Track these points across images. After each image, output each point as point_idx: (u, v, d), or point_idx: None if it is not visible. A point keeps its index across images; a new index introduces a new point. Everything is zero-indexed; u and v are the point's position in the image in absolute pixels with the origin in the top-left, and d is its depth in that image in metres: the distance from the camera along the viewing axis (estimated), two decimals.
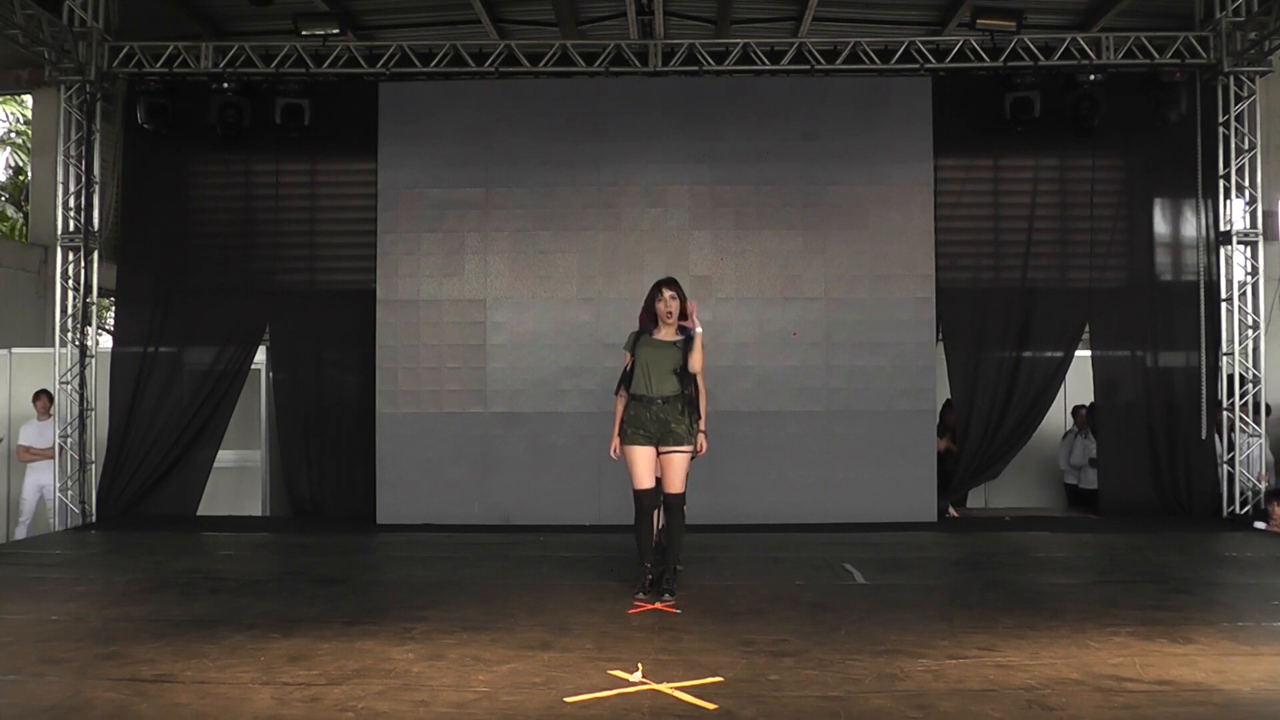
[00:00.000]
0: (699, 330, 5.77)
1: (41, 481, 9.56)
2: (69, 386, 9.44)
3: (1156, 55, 9.29)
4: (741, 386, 8.99)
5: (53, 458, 9.50)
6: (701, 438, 5.84)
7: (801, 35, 10.24)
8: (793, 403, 9.09)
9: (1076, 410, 10.27)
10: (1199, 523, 8.98)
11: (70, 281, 9.51)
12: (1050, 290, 9.57)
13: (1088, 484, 10.02)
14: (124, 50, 9.44)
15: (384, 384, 9.27)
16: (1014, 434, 9.56)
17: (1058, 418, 10.51)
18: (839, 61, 9.39)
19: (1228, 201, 9.38)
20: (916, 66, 9.38)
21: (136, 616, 5.39)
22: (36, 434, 9.59)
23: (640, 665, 4.27)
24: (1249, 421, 9.28)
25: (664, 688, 4.02)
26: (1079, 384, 10.04)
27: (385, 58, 9.50)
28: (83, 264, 9.52)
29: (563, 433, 9.07)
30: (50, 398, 9.57)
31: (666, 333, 5.83)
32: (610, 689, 4.03)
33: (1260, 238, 9.34)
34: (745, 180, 9.31)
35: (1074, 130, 9.36)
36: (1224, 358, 9.35)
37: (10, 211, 19.25)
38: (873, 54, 9.39)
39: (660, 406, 5.72)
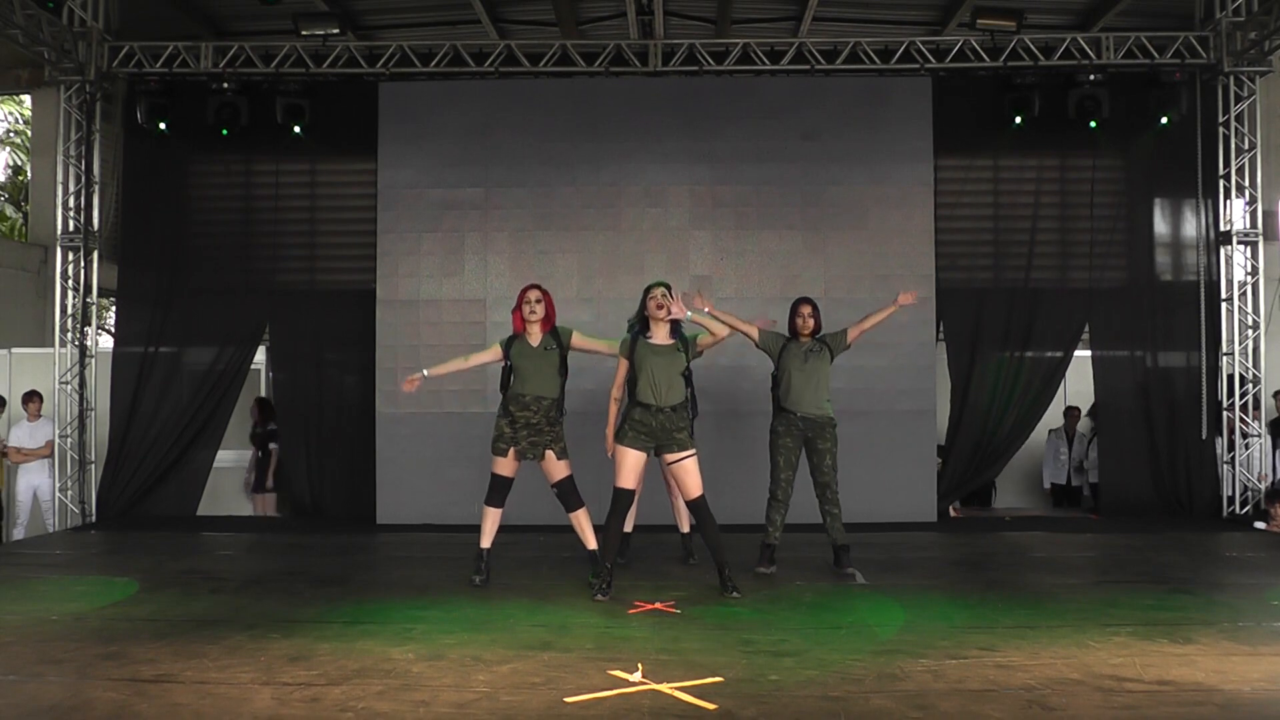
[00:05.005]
0: (688, 315, 5.84)
1: (34, 482, 9.57)
2: (69, 386, 9.45)
3: (1156, 55, 9.29)
4: (742, 386, 8.97)
5: (45, 457, 9.51)
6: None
7: (801, 35, 10.24)
8: None
9: (1069, 411, 10.37)
10: (1199, 523, 8.98)
11: (70, 281, 9.51)
12: (1050, 290, 9.58)
13: (1059, 480, 10.46)
14: (124, 50, 9.44)
15: (384, 384, 9.26)
16: (1013, 433, 9.57)
17: (1056, 419, 10.52)
18: (839, 61, 9.40)
19: (1228, 201, 9.38)
20: (916, 66, 9.39)
21: (136, 616, 5.39)
22: (28, 435, 9.59)
23: (640, 665, 4.27)
24: (1249, 421, 9.28)
25: (664, 688, 4.02)
26: (1080, 384, 10.05)
27: (385, 58, 9.50)
28: (82, 264, 9.53)
29: None
30: (41, 399, 9.58)
31: (661, 334, 5.87)
32: (610, 689, 4.02)
33: (1260, 238, 9.35)
34: (745, 180, 9.31)
35: (1074, 130, 9.37)
36: (1224, 358, 9.35)
37: (10, 211, 19.27)
38: (873, 54, 9.40)
39: (667, 415, 5.79)
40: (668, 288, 5.89)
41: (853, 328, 6.64)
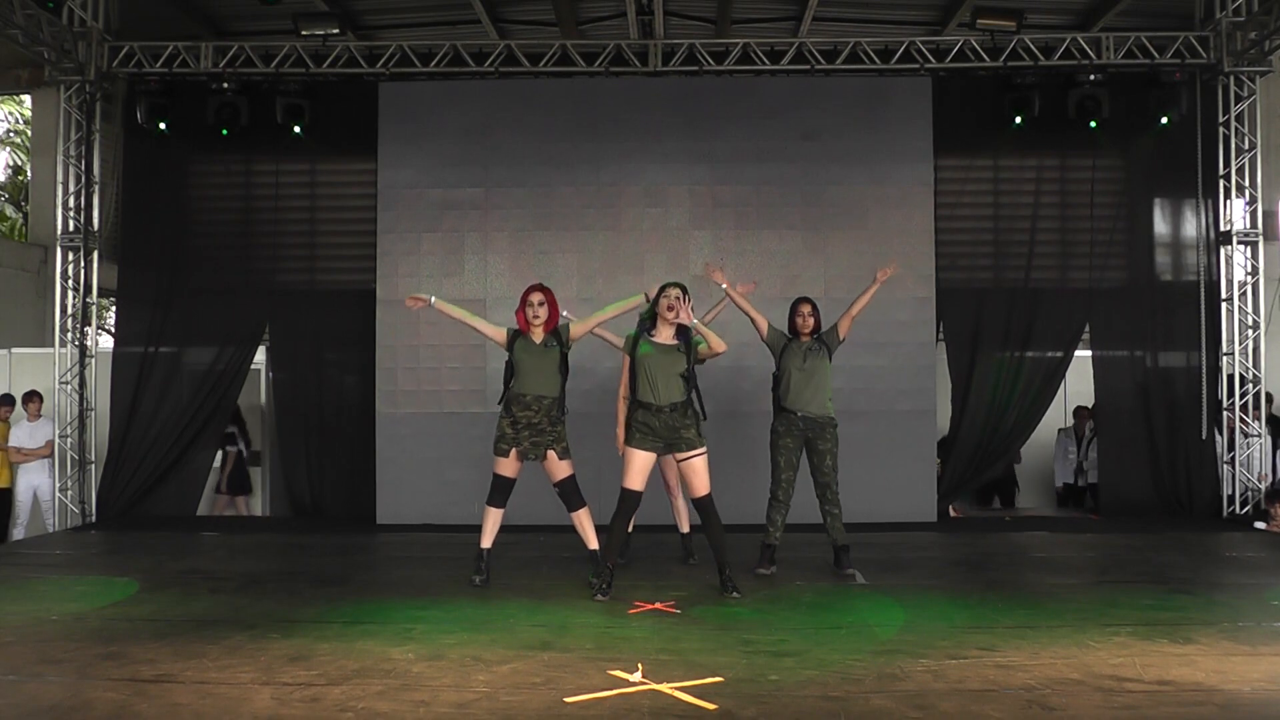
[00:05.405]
0: (694, 322, 5.84)
1: (34, 482, 9.56)
2: (69, 386, 9.45)
3: (1156, 55, 9.29)
4: (742, 387, 8.98)
5: (45, 457, 9.50)
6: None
7: (801, 35, 10.24)
8: None
9: (1078, 410, 10.37)
10: (1199, 523, 8.98)
11: (70, 281, 9.51)
12: (1050, 290, 9.57)
13: (1067, 479, 10.47)
14: (124, 50, 9.44)
15: (384, 384, 9.27)
16: (1013, 433, 9.57)
17: (1057, 418, 10.53)
18: (839, 61, 9.40)
19: (1228, 201, 9.38)
20: (916, 66, 9.39)
21: (136, 616, 5.39)
22: (28, 435, 9.58)
23: (640, 665, 4.27)
24: (1249, 421, 9.27)
25: (664, 688, 4.02)
26: (1080, 384, 10.05)
27: (385, 58, 9.50)
28: (82, 264, 9.53)
29: None
30: (41, 399, 9.58)
31: (665, 333, 5.86)
32: (610, 689, 4.02)
33: (1260, 238, 9.35)
34: (745, 180, 9.31)
35: (1074, 130, 9.36)
36: (1224, 358, 9.35)
37: (10, 211, 19.27)
38: (873, 54, 9.40)
39: (669, 414, 5.77)
40: (684, 290, 5.88)
41: (842, 319, 6.68)
